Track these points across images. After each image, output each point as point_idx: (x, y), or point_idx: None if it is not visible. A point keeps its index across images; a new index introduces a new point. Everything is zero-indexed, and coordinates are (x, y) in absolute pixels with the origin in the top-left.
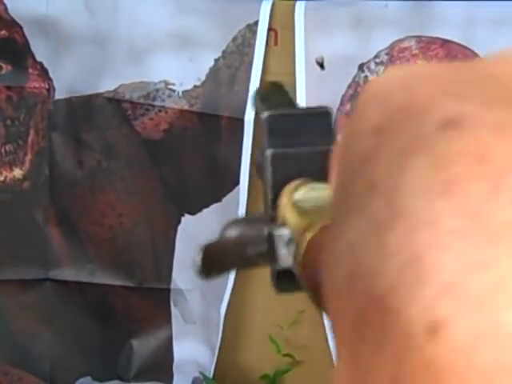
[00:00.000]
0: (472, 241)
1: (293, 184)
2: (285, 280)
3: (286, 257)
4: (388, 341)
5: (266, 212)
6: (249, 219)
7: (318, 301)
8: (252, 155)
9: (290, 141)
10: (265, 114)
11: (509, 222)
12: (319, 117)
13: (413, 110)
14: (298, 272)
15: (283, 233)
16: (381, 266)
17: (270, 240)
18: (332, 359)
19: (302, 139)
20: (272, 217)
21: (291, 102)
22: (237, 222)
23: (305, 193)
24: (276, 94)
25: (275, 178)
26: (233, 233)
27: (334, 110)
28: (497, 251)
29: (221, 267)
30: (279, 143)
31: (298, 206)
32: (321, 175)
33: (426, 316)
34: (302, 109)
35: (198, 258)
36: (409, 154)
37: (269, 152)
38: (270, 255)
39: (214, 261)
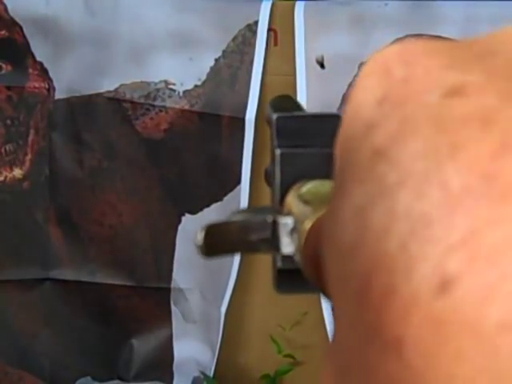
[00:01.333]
0: (482, 199)
1: (301, 182)
2: (286, 280)
3: (288, 245)
4: (394, 301)
5: (272, 206)
6: (255, 208)
7: (320, 287)
8: (253, 154)
9: (299, 142)
10: (274, 116)
11: None
12: (328, 119)
13: (414, 82)
14: (300, 259)
15: (287, 221)
16: (390, 226)
17: (274, 227)
18: None
19: (310, 141)
20: (278, 209)
21: (300, 108)
22: (243, 210)
23: (311, 187)
24: (286, 101)
25: (283, 177)
26: (238, 217)
27: (335, 109)
28: (508, 209)
29: (222, 249)
30: (288, 143)
31: (302, 198)
32: (329, 177)
33: (437, 272)
34: (311, 112)
35: (200, 236)
36: (414, 121)
37: (278, 151)
38: (273, 242)
39: (215, 241)
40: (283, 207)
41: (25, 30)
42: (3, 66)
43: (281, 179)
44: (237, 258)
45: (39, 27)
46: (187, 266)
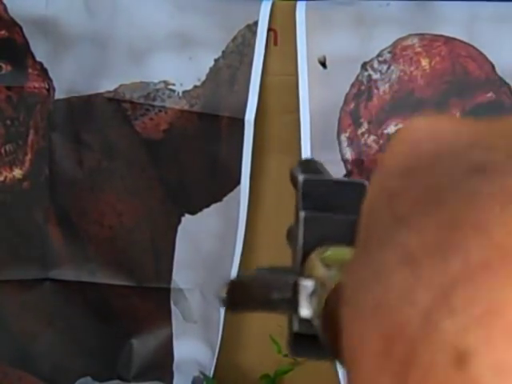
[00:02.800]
0: (501, 276)
1: (323, 246)
2: (301, 344)
3: (306, 307)
4: (414, 368)
5: (293, 267)
6: (278, 268)
7: (336, 352)
8: (253, 155)
9: (323, 206)
10: (301, 178)
11: None
12: (354, 187)
13: (440, 157)
14: (318, 323)
15: (308, 284)
16: (411, 295)
17: (295, 288)
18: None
19: (335, 206)
20: (299, 270)
21: (326, 173)
22: (266, 268)
23: (334, 251)
24: (312, 165)
25: (306, 239)
26: (260, 275)
27: (338, 110)
28: None
29: (244, 305)
30: (312, 206)
31: (324, 261)
32: (351, 243)
33: (455, 345)
34: (337, 178)
35: (223, 291)
36: (438, 192)
37: (302, 214)
38: (293, 303)
39: (237, 297)
40: (304, 269)
41: (24, 30)
42: (3, 66)
43: (303, 241)
44: (236, 258)
45: (39, 27)
46: (187, 266)
